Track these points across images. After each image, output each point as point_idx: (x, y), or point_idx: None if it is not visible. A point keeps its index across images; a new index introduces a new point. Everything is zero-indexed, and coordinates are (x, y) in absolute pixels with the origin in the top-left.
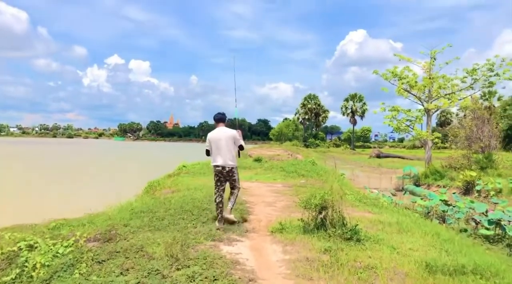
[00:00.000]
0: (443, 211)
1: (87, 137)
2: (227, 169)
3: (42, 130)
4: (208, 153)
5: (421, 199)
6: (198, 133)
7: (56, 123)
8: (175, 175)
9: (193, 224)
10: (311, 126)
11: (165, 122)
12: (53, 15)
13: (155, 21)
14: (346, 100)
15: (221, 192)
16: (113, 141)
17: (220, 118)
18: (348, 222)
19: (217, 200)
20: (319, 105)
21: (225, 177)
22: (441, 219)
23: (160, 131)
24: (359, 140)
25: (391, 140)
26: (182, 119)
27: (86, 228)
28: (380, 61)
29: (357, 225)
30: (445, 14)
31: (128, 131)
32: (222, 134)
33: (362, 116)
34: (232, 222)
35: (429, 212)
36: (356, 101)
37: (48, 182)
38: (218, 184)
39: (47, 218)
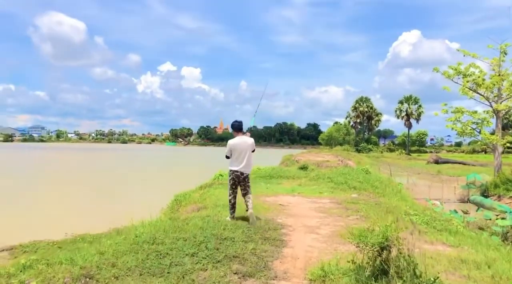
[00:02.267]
0: None
1: (140, 142)
2: (244, 175)
3: (98, 135)
4: (227, 157)
5: (496, 215)
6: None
7: (111, 129)
8: (207, 187)
9: (203, 264)
10: (363, 130)
11: (215, 127)
12: (109, 25)
13: (206, 28)
14: (401, 102)
15: (236, 194)
16: (165, 146)
17: (239, 127)
18: (423, 270)
19: (232, 201)
20: (371, 108)
21: (240, 182)
22: None
23: (210, 136)
24: (414, 145)
25: (448, 145)
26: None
27: (62, 268)
28: (436, 62)
29: (438, 278)
30: (506, 12)
31: (179, 136)
32: (243, 143)
33: (417, 119)
34: (254, 219)
35: (507, 233)
36: (412, 104)
37: (83, 191)
38: (234, 187)
39: (68, 232)
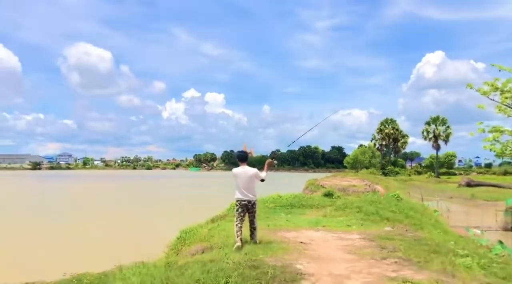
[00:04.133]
0: None
1: (165, 168)
2: (251, 202)
3: (124, 162)
4: None
5: None
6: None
7: (136, 155)
8: (219, 219)
9: None
10: (389, 153)
11: (248, 153)
12: (135, 53)
13: (229, 55)
14: (428, 123)
15: (243, 220)
16: (189, 172)
17: (242, 158)
18: None
19: (238, 226)
20: (397, 129)
21: (248, 209)
22: None
23: (233, 161)
24: (442, 167)
25: (477, 166)
26: (255, 148)
27: None
28: (461, 83)
29: None
30: None
31: (203, 161)
32: (243, 173)
33: (446, 141)
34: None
35: None
36: (439, 124)
37: (94, 224)
38: (242, 215)
39: (67, 272)
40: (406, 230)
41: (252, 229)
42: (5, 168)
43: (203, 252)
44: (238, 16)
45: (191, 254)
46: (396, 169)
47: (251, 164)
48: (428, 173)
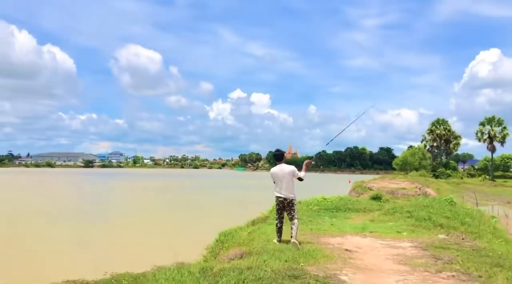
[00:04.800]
0: None
1: (211, 167)
2: (288, 200)
3: (172, 161)
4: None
5: None
6: (316, 162)
7: (184, 155)
8: (261, 221)
9: None
10: (440, 154)
11: (284, 152)
12: (183, 55)
13: (274, 55)
14: (482, 124)
15: (282, 219)
16: (234, 171)
17: (278, 157)
18: None
19: (278, 225)
20: (449, 130)
21: (285, 207)
22: None
23: None
24: (497, 170)
25: None
26: (300, 149)
27: None
28: None
29: None
30: None
31: (248, 161)
32: (280, 171)
33: (502, 142)
34: (297, 248)
35: None
36: (495, 125)
37: (137, 224)
38: (280, 212)
39: (108, 271)
40: (463, 239)
41: (292, 226)
42: (61, 166)
43: (241, 257)
44: (284, 15)
45: (229, 258)
46: (448, 171)
47: (296, 165)
48: (482, 176)
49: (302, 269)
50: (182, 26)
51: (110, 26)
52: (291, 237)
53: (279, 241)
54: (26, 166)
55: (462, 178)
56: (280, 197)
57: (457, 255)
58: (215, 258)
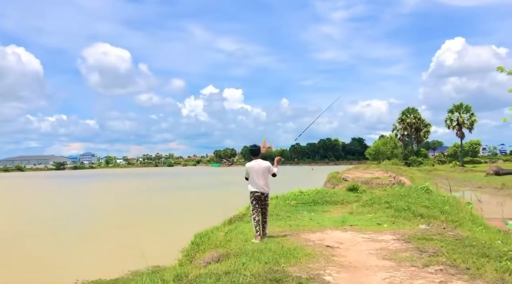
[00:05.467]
0: None
1: (186, 164)
2: (264, 194)
3: (146, 160)
4: (246, 179)
5: None
6: (290, 155)
7: (158, 153)
8: (238, 219)
9: None
10: (411, 143)
11: (260, 147)
12: (153, 52)
13: (246, 50)
14: (451, 111)
15: (259, 212)
16: (209, 168)
17: (255, 152)
18: None
19: (256, 219)
20: (419, 119)
21: (261, 201)
22: None
23: None
24: (466, 155)
25: (502, 154)
26: (274, 143)
27: None
28: (483, 69)
29: None
30: None
31: (223, 157)
32: (257, 165)
33: (470, 129)
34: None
35: None
36: (463, 112)
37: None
38: (257, 206)
39: (80, 278)
40: (444, 228)
41: (263, 222)
42: (31, 169)
43: (218, 260)
44: (254, 10)
45: (205, 262)
46: (419, 159)
47: (271, 159)
48: (453, 162)
49: (284, 270)
50: (151, 23)
51: (77, 24)
52: (263, 231)
53: (258, 236)
54: None
55: (433, 165)
56: (257, 192)
57: (441, 246)
58: (191, 262)
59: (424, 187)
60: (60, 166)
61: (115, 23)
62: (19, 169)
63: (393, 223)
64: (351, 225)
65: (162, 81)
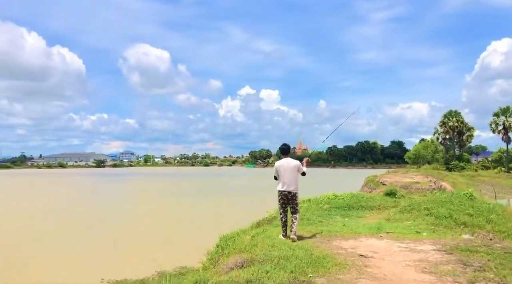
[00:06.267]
0: None
1: (222, 164)
2: (292, 193)
3: (183, 159)
4: (276, 178)
5: None
6: (326, 158)
7: (195, 153)
8: (266, 222)
9: None
10: (453, 147)
11: (294, 148)
12: (191, 53)
13: (283, 51)
14: (496, 114)
15: (286, 212)
16: (244, 168)
17: (285, 151)
18: None
19: (283, 219)
20: (462, 122)
21: (289, 200)
22: None
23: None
24: None
25: None
26: (310, 144)
27: None
28: None
29: None
30: None
31: (258, 158)
32: (286, 164)
33: None
34: (294, 241)
35: None
36: (509, 116)
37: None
38: (283, 206)
39: (105, 278)
40: (491, 239)
41: (293, 221)
42: (72, 166)
43: (242, 266)
44: (292, 10)
45: (228, 268)
46: (462, 164)
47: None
48: (498, 168)
49: (310, 282)
50: (190, 24)
51: (118, 25)
52: (291, 232)
53: (285, 235)
54: (38, 167)
55: (476, 170)
56: (284, 191)
57: (488, 260)
58: (214, 266)
59: (467, 193)
60: (100, 163)
61: (155, 25)
62: (61, 165)
63: (434, 231)
64: (387, 233)
65: (200, 82)
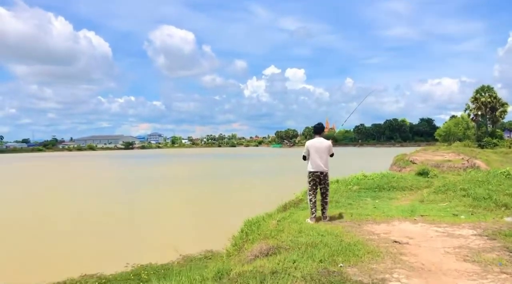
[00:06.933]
0: None
1: (248, 145)
2: (324, 173)
3: (209, 140)
4: (304, 158)
5: None
6: (354, 136)
7: (221, 134)
8: (292, 206)
9: None
10: (486, 123)
11: (324, 126)
12: (216, 33)
13: (308, 29)
14: None
15: (315, 193)
16: (271, 148)
17: (318, 130)
18: None
19: (313, 200)
20: (495, 98)
21: (320, 180)
22: None
23: None
24: None
25: None
26: (337, 123)
27: None
28: None
29: None
30: None
31: (284, 138)
32: (319, 143)
33: None
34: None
35: None
36: None
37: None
38: (314, 187)
39: (130, 262)
40: None
41: (324, 203)
42: (102, 148)
43: (267, 254)
44: None
45: (253, 255)
46: (494, 140)
47: (334, 139)
48: None
49: (341, 272)
50: (214, 4)
51: (143, 8)
52: (323, 214)
53: (313, 218)
54: (69, 150)
55: (510, 147)
56: (317, 172)
57: None
58: (239, 252)
59: (504, 172)
60: (129, 145)
61: (180, 5)
62: (91, 148)
63: (472, 214)
64: (422, 216)
65: (225, 62)
